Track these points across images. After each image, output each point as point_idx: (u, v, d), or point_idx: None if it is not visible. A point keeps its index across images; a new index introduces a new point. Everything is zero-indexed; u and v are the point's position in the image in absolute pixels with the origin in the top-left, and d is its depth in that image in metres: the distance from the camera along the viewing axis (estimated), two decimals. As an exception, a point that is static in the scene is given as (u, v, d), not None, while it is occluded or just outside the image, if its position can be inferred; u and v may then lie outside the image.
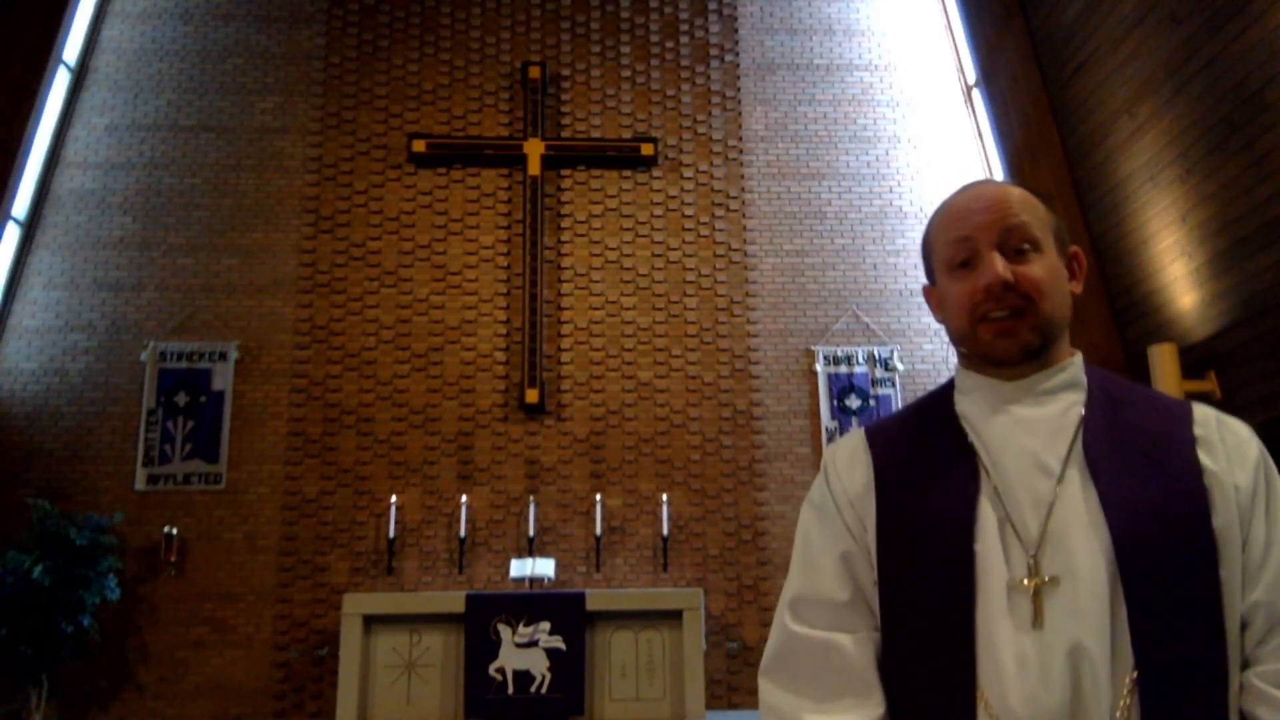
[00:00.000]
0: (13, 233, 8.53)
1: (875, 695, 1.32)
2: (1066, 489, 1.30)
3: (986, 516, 1.31)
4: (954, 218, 1.40)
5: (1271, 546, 1.28)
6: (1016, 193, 1.40)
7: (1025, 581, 1.26)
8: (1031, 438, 1.34)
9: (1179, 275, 6.94)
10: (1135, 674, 1.21)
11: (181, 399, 8.39)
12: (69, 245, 8.70)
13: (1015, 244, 1.36)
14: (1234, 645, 1.25)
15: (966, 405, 1.42)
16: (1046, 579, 1.26)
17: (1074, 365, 1.40)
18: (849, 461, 1.45)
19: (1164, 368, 6.78)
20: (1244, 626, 1.27)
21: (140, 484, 8.23)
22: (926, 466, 1.38)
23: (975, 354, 1.39)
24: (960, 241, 1.38)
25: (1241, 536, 1.28)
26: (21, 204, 8.55)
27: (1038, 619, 1.24)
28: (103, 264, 8.68)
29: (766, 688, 1.38)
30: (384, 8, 9.39)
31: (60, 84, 8.84)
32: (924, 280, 1.52)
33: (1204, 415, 1.37)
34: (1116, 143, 7.36)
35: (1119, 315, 7.72)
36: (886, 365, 8.77)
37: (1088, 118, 7.68)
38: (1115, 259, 7.63)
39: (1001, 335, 1.34)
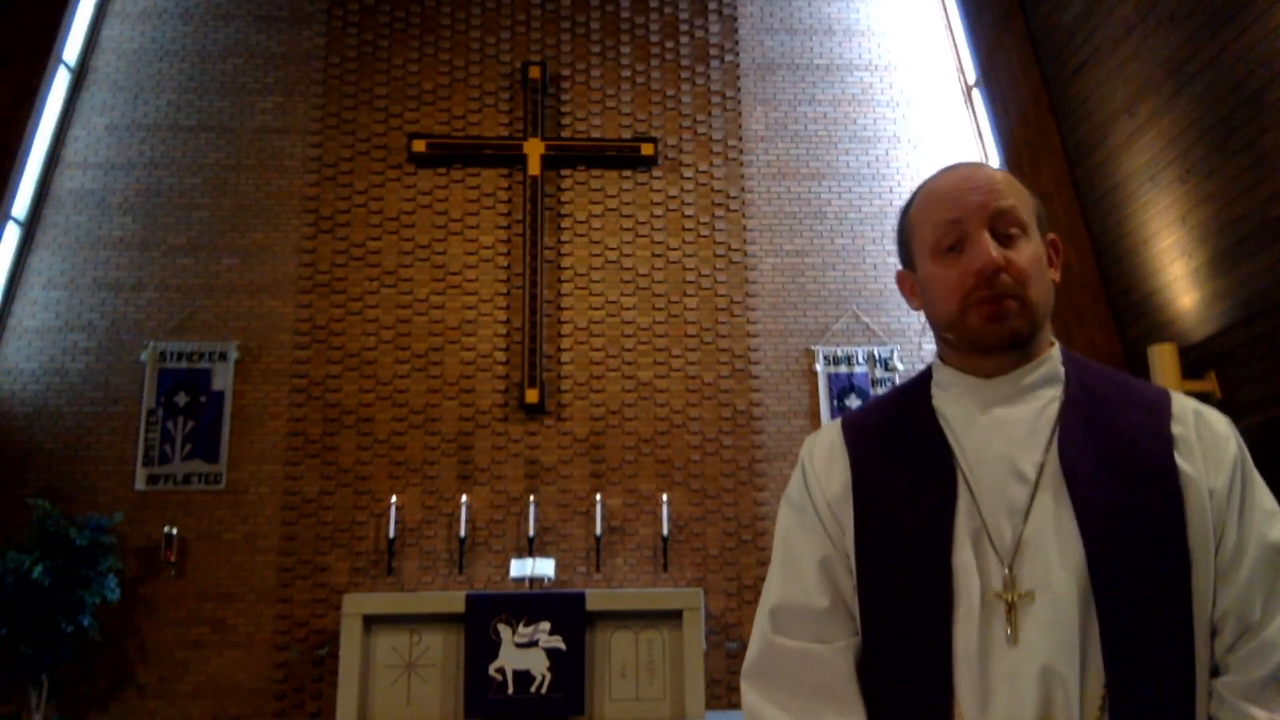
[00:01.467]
0: (13, 233, 8.53)
1: (856, 708, 1.31)
2: (1042, 497, 1.28)
3: (963, 527, 1.29)
4: (942, 199, 1.36)
5: (1243, 551, 1.26)
6: (1001, 175, 1.37)
7: (1001, 596, 1.25)
8: (1008, 442, 1.32)
9: (1179, 275, 6.94)
10: (1105, 692, 1.20)
11: (181, 399, 8.39)
12: (69, 245, 8.70)
13: (1004, 228, 1.32)
14: (1203, 653, 1.24)
15: (945, 402, 1.39)
16: (1022, 594, 1.24)
17: (1052, 358, 1.37)
18: (827, 460, 1.42)
19: (1164, 368, 6.78)
20: (1214, 633, 1.25)
21: (140, 484, 8.23)
22: (905, 471, 1.36)
23: (963, 340, 1.35)
24: (949, 224, 1.33)
25: (1215, 540, 1.26)
26: (21, 204, 8.55)
27: (1012, 635, 1.23)
28: (103, 264, 8.68)
29: (749, 693, 1.37)
30: (384, 8, 9.39)
31: (60, 84, 8.84)
32: (899, 272, 1.48)
33: (1182, 410, 1.34)
34: (1116, 143, 7.36)
35: (1119, 315, 7.72)
36: (886, 365, 8.77)
37: (1088, 118, 7.68)
38: (1115, 259, 7.63)
39: (992, 320, 1.30)
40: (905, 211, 1.43)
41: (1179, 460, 1.29)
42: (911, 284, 1.44)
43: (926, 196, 1.39)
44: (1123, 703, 1.20)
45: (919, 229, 1.39)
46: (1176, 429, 1.31)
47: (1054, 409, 1.34)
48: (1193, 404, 1.36)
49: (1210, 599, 1.25)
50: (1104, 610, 1.21)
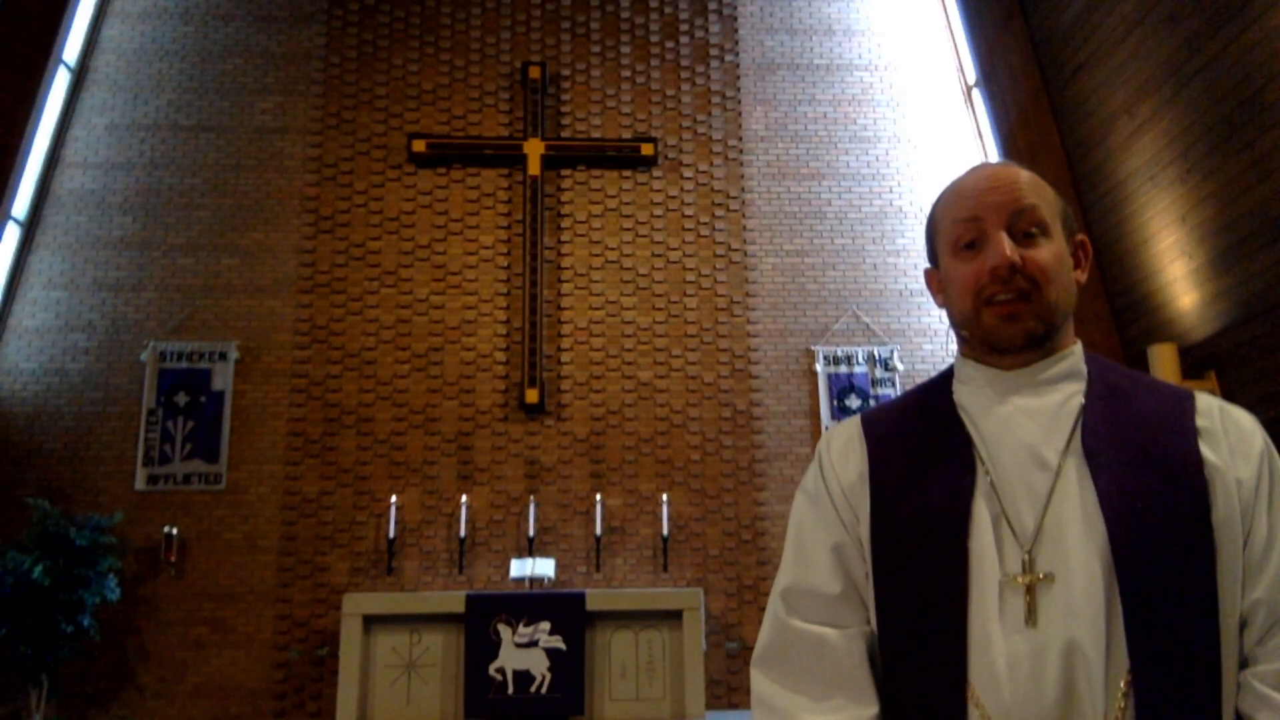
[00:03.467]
0: (13, 233, 8.53)
1: (868, 694, 1.31)
2: (1063, 483, 1.28)
3: (982, 512, 1.29)
4: (962, 198, 1.37)
5: (1273, 543, 1.25)
6: (1026, 175, 1.37)
7: (1019, 578, 1.24)
8: (1029, 430, 1.32)
9: (1179, 275, 6.94)
10: (1130, 674, 1.19)
11: (181, 399, 8.39)
12: (69, 245, 8.69)
13: (1023, 227, 1.33)
14: (1231, 644, 1.23)
15: (965, 395, 1.39)
16: (1041, 576, 1.24)
17: (1074, 355, 1.38)
18: (843, 451, 1.43)
19: (1164, 368, 6.79)
20: (1243, 625, 1.24)
21: (140, 484, 8.22)
22: (922, 458, 1.36)
23: (977, 338, 1.36)
24: (968, 221, 1.35)
25: (1243, 532, 1.25)
26: (21, 204, 8.55)
27: (1031, 617, 1.23)
28: (103, 264, 8.67)
29: (759, 679, 1.37)
30: (384, 8, 9.39)
31: (60, 84, 8.84)
32: (926, 270, 1.49)
33: (1207, 405, 1.34)
34: (1116, 143, 7.36)
35: (1119, 315, 7.72)
36: (886, 365, 8.77)
37: (1088, 118, 7.68)
38: (1115, 259, 7.64)
39: (1006, 320, 1.31)
40: (933, 209, 1.45)
41: (1204, 450, 1.29)
42: (937, 281, 1.44)
43: (950, 194, 1.41)
44: (1148, 684, 1.19)
45: (940, 225, 1.41)
46: (1201, 422, 1.31)
47: (1076, 401, 1.34)
48: (1218, 401, 1.36)
49: (1239, 590, 1.24)
50: (1127, 592, 1.21)
